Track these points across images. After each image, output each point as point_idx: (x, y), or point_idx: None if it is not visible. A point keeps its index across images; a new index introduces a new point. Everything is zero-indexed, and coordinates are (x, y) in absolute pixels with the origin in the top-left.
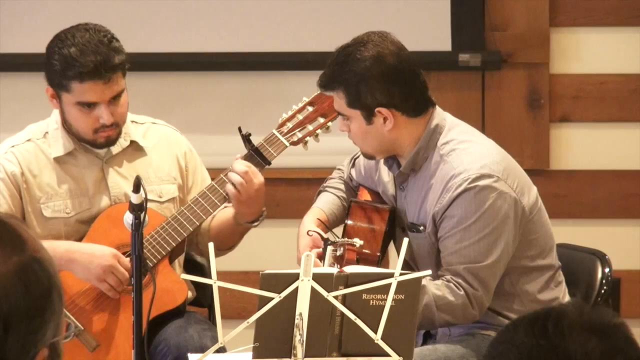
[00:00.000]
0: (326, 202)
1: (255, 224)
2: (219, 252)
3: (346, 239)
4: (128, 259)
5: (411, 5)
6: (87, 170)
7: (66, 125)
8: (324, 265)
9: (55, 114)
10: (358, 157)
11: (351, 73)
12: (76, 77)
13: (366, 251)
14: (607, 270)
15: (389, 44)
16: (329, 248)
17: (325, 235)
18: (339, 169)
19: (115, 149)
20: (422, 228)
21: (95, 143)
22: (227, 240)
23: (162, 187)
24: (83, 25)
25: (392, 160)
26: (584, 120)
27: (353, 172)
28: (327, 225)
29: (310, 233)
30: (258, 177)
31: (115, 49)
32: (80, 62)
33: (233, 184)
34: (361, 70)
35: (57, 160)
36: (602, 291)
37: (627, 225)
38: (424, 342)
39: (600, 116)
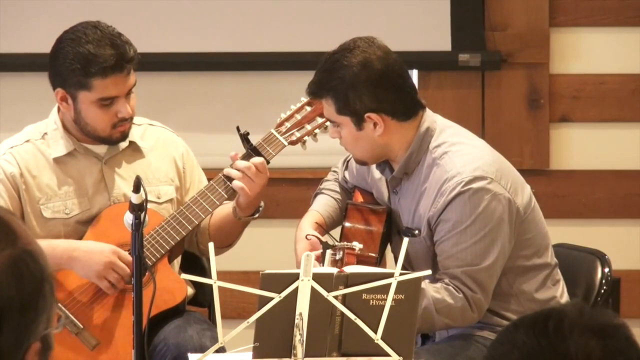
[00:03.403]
0: (323, 205)
1: (256, 216)
2: (219, 250)
3: (345, 242)
4: (128, 252)
5: (411, 5)
6: (87, 171)
7: (79, 125)
8: None
9: (54, 114)
10: (350, 158)
11: (339, 80)
12: (99, 72)
13: (364, 253)
14: (606, 270)
15: (375, 49)
16: (328, 252)
17: (323, 239)
18: (333, 171)
19: (115, 150)
20: (417, 232)
21: (111, 139)
22: (228, 237)
23: (160, 188)
24: (87, 24)
25: (384, 165)
26: (584, 120)
27: (347, 174)
28: (325, 228)
29: (308, 237)
30: (266, 171)
31: (127, 41)
32: (102, 57)
33: (240, 178)
34: (349, 77)
35: (57, 160)
36: (602, 291)
37: (627, 225)
38: (423, 343)
39: (600, 116)
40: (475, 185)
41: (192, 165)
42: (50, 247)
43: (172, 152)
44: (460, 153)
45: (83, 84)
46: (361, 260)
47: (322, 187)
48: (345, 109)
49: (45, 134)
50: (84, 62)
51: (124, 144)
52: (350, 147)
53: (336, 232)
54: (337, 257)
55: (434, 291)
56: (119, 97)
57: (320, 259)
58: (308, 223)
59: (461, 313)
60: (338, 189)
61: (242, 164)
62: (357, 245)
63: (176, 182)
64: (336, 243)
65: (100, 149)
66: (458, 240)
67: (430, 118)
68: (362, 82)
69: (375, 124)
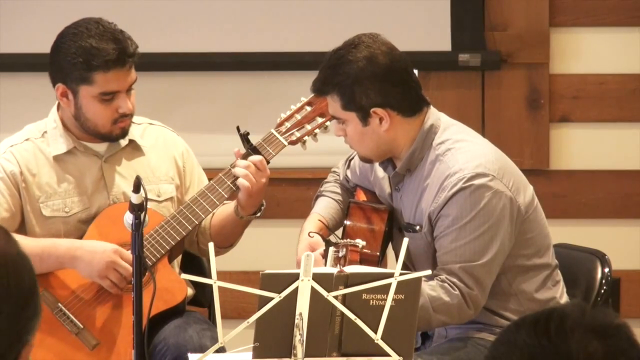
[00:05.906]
0: (324, 207)
1: (258, 214)
2: (220, 250)
3: (348, 239)
4: (129, 252)
5: (411, 5)
6: (86, 169)
7: (79, 120)
8: (326, 266)
9: (53, 113)
10: (353, 158)
11: (344, 75)
12: (101, 66)
13: (366, 251)
14: (606, 270)
15: (380, 44)
16: (331, 249)
17: (326, 237)
18: (334, 172)
19: (115, 148)
20: (418, 228)
21: (112, 135)
22: (229, 237)
23: (160, 186)
24: (89, 19)
25: (387, 162)
26: (584, 120)
27: (349, 173)
28: (327, 230)
29: (311, 235)
30: (266, 169)
31: (129, 37)
32: (105, 50)
33: (245, 176)
34: (354, 72)
35: (57, 159)
36: (602, 291)
37: (627, 225)
38: (422, 343)
39: (600, 116)
40: (476, 181)
41: (192, 165)
42: (54, 246)
43: (172, 150)
44: (463, 150)
45: (85, 77)
46: (363, 258)
47: (322, 189)
48: (351, 104)
49: (45, 132)
50: (86, 55)
51: (123, 142)
52: (356, 144)
53: (338, 231)
54: (341, 254)
55: (429, 289)
56: (120, 92)
57: (324, 256)
58: (311, 227)
59: (458, 310)
60: (339, 190)
61: (242, 163)
62: (360, 243)
63: (176, 180)
64: (339, 240)
65: (100, 147)
66: (457, 236)
67: (435, 115)
68: (368, 77)
69: (381, 119)
